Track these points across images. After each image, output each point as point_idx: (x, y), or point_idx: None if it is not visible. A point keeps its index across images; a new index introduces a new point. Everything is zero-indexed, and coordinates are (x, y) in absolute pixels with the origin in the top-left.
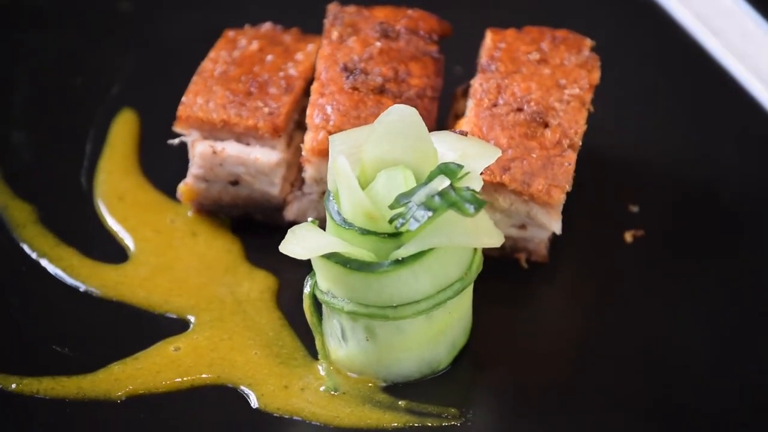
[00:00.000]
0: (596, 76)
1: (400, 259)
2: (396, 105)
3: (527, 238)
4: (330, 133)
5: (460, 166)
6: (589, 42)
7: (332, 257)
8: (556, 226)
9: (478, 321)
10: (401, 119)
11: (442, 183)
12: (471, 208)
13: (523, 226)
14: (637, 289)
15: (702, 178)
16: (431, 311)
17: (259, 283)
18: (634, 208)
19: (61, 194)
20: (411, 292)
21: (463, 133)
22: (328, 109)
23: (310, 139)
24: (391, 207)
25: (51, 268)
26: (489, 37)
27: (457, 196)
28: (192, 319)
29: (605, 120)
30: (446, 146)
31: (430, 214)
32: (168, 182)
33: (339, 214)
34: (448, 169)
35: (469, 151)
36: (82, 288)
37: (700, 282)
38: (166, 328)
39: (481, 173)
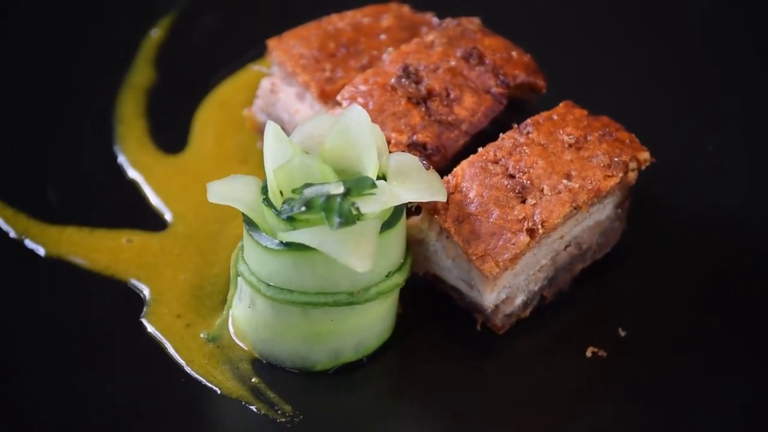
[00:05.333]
0: (609, 184)
1: (282, 241)
2: (355, 105)
3: (477, 301)
4: None
5: (373, 185)
6: (645, 156)
7: (244, 216)
8: (488, 299)
9: (391, 351)
10: (356, 121)
11: (337, 189)
12: (337, 222)
13: (470, 285)
14: (554, 405)
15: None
16: (305, 308)
17: None
18: (622, 333)
19: (184, 81)
20: (287, 280)
21: (426, 167)
22: (358, 94)
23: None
24: (294, 192)
25: (112, 129)
26: (558, 106)
27: (337, 206)
28: (169, 223)
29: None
30: (396, 165)
31: (303, 209)
32: None
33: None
34: (357, 181)
35: (412, 181)
36: (120, 158)
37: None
38: (145, 220)
39: (436, 216)
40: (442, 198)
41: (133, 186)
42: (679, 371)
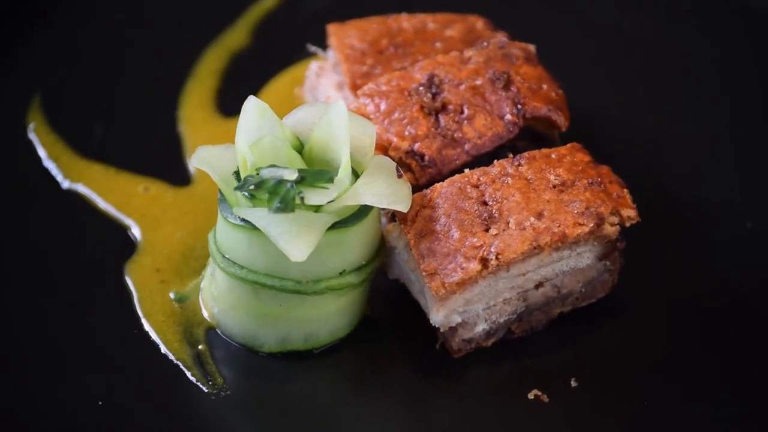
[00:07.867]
0: (576, 231)
1: (238, 216)
2: (339, 101)
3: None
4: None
5: (329, 180)
6: (629, 214)
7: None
8: (434, 318)
9: (346, 350)
10: (338, 116)
11: (290, 175)
12: (277, 205)
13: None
14: None
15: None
16: (254, 287)
17: None
18: (573, 383)
19: (271, 52)
20: (240, 256)
21: (398, 175)
22: (376, 93)
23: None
24: (257, 170)
25: (184, 82)
26: (563, 146)
27: (284, 191)
28: (192, 181)
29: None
30: (373, 166)
31: (252, 188)
32: None
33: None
34: (315, 173)
35: (378, 185)
36: (174, 113)
37: None
38: (171, 173)
39: (402, 225)
40: (402, 209)
41: (177, 140)
42: None
